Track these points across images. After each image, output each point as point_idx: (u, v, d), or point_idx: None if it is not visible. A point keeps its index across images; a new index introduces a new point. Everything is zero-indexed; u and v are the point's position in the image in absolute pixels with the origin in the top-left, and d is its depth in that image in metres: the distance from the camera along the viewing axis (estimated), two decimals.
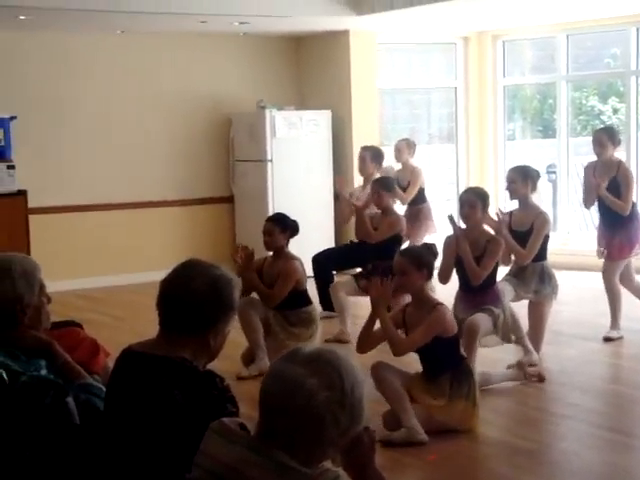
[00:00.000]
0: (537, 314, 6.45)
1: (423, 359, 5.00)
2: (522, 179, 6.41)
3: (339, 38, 10.22)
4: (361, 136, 10.21)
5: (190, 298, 2.53)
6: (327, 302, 7.67)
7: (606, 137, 6.92)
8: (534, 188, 6.51)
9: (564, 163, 10.77)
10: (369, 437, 2.05)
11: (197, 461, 2.02)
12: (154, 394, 2.42)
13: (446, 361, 4.90)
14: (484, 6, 8.95)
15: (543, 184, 11.69)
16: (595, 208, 7.22)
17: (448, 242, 6.09)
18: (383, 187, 7.36)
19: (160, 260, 9.23)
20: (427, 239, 8.78)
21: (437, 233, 8.68)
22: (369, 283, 5.00)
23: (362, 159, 8.56)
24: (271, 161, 10.06)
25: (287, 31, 10.20)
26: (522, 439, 4.93)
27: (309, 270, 7.91)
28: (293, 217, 6.58)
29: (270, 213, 10.00)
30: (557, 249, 9.86)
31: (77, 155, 9.74)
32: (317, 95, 10.64)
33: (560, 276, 6.64)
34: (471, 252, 5.86)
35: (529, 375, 5.85)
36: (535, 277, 6.36)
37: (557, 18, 10.07)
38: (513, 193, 6.48)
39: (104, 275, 9.80)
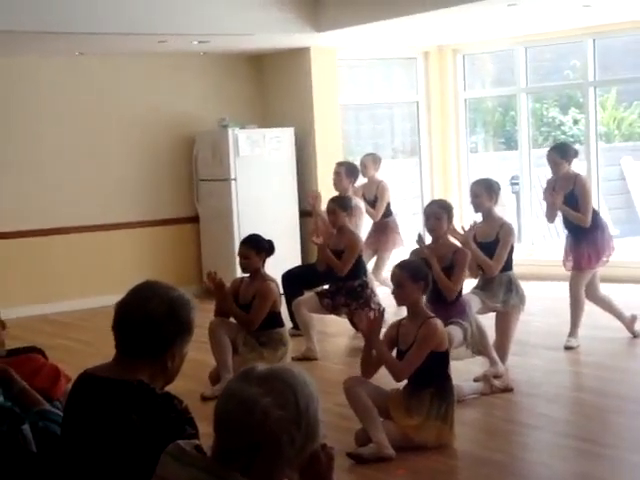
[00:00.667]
0: (504, 325, 6.47)
1: None
2: (486, 192, 6.47)
3: (300, 55, 10.24)
4: (324, 152, 10.24)
5: (147, 320, 2.50)
6: (295, 320, 7.65)
7: (557, 155, 7.01)
8: (497, 200, 6.59)
9: (527, 174, 10.85)
10: (326, 455, 2.03)
11: None
12: (111, 418, 2.39)
13: (433, 375, 4.89)
14: (443, 21, 9.01)
15: (507, 195, 11.79)
16: (560, 220, 7.28)
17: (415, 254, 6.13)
18: (339, 206, 7.37)
19: (126, 282, 9.08)
20: (395, 252, 8.82)
21: (404, 246, 8.71)
22: (357, 317, 5.01)
23: (337, 174, 8.58)
24: (235, 180, 10.04)
25: (248, 49, 10.21)
26: (490, 451, 4.93)
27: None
28: (252, 233, 6.62)
29: (236, 232, 10.01)
30: (522, 260, 9.90)
31: (37, 178, 9.67)
32: (280, 112, 10.65)
33: (526, 286, 6.68)
34: (439, 264, 5.89)
35: (495, 387, 5.86)
36: (502, 288, 6.39)
37: (515, 31, 10.16)
38: (478, 206, 6.52)
39: (71, 299, 9.73)
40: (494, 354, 6.25)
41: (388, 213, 8.97)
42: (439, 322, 4.95)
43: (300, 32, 9.20)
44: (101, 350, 7.40)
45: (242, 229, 9.98)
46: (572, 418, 5.63)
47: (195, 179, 10.45)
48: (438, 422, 4.85)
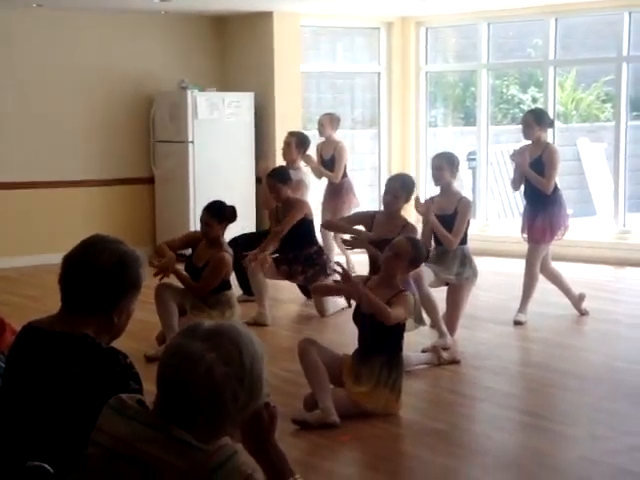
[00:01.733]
0: (456, 298, 6.53)
1: (364, 336, 4.99)
2: (448, 166, 6.50)
3: (263, 19, 10.16)
4: (284, 119, 10.19)
5: (95, 274, 2.47)
6: (246, 285, 7.64)
7: (532, 118, 7.05)
8: (456, 174, 6.64)
9: (484, 151, 10.90)
10: (269, 413, 2.03)
11: (93, 437, 1.98)
12: (54, 370, 2.36)
13: (386, 344, 4.91)
14: None
15: (463, 171, 11.85)
16: (521, 193, 7.35)
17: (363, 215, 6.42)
18: (279, 180, 7.35)
19: (76, 241, 9.02)
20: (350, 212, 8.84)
21: (359, 207, 8.75)
22: (345, 284, 4.99)
23: (287, 144, 8.53)
24: (192, 142, 9.97)
25: (210, 10, 10.10)
26: (434, 420, 4.98)
27: None
28: (214, 199, 6.58)
29: (191, 195, 9.96)
30: (476, 235, 9.97)
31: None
32: (240, 77, 10.56)
33: (478, 262, 6.74)
34: (387, 234, 5.92)
35: (443, 359, 5.91)
36: (456, 261, 6.45)
37: (479, 6, 10.16)
38: (439, 179, 6.54)
39: (19, 255, 9.62)
40: (443, 326, 6.30)
41: (343, 175, 8.97)
42: (410, 298, 4.99)
43: None
44: (47, 306, 7.29)
45: (197, 192, 9.94)
46: (516, 391, 5.71)
47: (152, 140, 10.35)
48: (387, 390, 4.88)
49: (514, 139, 12.23)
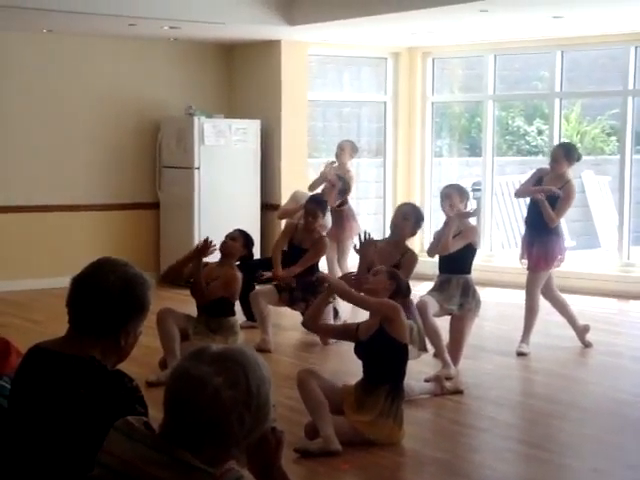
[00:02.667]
0: (459, 328, 6.52)
1: (368, 367, 5.00)
2: (459, 194, 6.54)
3: (271, 48, 10.23)
4: (290, 147, 10.24)
5: (103, 296, 2.48)
6: (249, 312, 7.65)
7: (562, 153, 7.10)
8: (467, 204, 6.68)
9: (489, 181, 10.93)
10: (275, 438, 2.03)
11: (99, 459, 1.98)
12: (60, 392, 2.37)
13: (390, 371, 4.91)
14: (415, 23, 9.05)
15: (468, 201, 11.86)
16: (523, 216, 7.43)
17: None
18: (322, 211, 7.48)
19: (82, 264, 9.00)
20: (355, 240, 8.86)
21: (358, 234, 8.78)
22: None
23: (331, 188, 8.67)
24: (198, 169, 10.01)
25: (218, 38, 10.17)
26: (436, 450, 4.97)
27: None
28: (220, 226, 6.77)
29: (196, 221, 9.99)
30: (480, 265, 9.98)
31: (0, 156, 9.56)
32: (247, 104, 10.62)
33: (481, 292, 6.74)
34: (385, 263, 5.91)
35: (446, 389, 5.90)
36: (459, 290, 6.45)
37: (486, 38, 10.23)
38: (450, 208, 6.55)
39: (23, 279, 9.63)
40: (447, 356, 6.29)
41: (344, 202, 8.98)
42: (402, 312, 5.00)
43: (272, 24, 9.19)
44: (50, 329, 7.32)
45: (202, 218, 9.97)
46: (518, 423, 5.69)
47: (158, 165, 10.39)
48: (390, 420, 4.87)
49: (519, 170, 12.28)
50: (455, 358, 6.43)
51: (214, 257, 6.57)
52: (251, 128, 10.25)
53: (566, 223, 11.29)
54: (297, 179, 9.97)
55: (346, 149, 9.20)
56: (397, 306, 4.94)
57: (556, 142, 10.21)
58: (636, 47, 9.76)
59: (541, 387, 6.39)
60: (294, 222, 7.71)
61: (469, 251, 6.54)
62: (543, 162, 10.85)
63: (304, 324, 5.46)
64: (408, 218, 6.30)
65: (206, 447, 1.90)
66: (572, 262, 10.19)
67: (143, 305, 2.54)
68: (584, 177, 12.52)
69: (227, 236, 6.61)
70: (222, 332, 6.33)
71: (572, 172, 7.28)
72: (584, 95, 11.74)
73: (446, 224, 6.53)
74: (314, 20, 9.02)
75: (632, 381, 6.48)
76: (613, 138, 12.34)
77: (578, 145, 12.68)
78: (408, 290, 5.45)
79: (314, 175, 9.28)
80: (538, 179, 7.14)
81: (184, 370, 1.92)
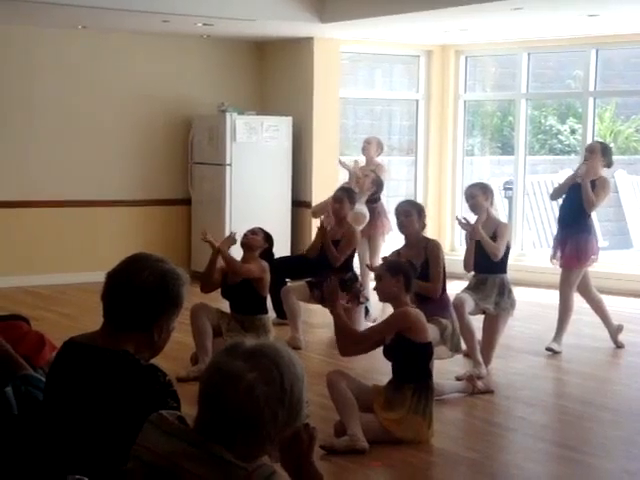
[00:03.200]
0: (492, 327, 6.49)
1: (395, 367, 5.00)
2: (482, 193, 6.51)
3: (303, 45, 10.23)
4: (321, 144, 10.24)
5: (137, 291, 2.50)
6: (280, 309, 7.66)
7: (599, 147, 7.15)
8: (492, 201, 6.65)
9: (521, 180, 10.87)
10: (308, 434, 2.04)
11: (134, 453, 1.99)
12: (94, 386, 2.39)
13: (414, 369, 4.90)
14: (448, 20, 9.02)
15: (499, 200, 11.82)
16: (555, 217, 7.42)
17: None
18: (348, 197, 7.41)
19: (113, 260, 9.06)
20: (387, 238, 8.85)
21: (392, 230, 8.74)
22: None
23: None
24: (230, 165, 10.03)
25: (251, 35, 10.19)
26: (467, 449, 4.95)
27: None
28: (251, 223, 6.79)
29: (227, 217, 10.01)
30: (511, 265, 9.91)
31: (31, 150, 9.64)
32: (279, 101, 10.64)
33: (514, 292, 6.70)
34: (415, 261, 5.92)
35: (477, 388, 5.88)
36: (495, 290, 6.42)
37: (519, 36, 10.18)
38: (475, 207, 6.53)
39: (56, 273, 9.71)
40: (479, 355, 6.27)
41: (377, 199, 8.94)
42: (418, 312, 4.95)
43: (304, 21, 9.19)
44: (81, 324, 7.43)
45: (234, 215, 9.99)
46: (549, 423, 5.65)
47: (190, 162, 10.43)
48: (418, 417, 4.86)
49: (551, 169, 12.21)
50: (487, 357, 6.40)
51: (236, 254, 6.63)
52: (283, 125, 10.26)
53: (599, 223, 11.22)
54: (328, 177, 9.97)
55: (372, 143, 9.17)
56: (406, 313, 4.88)
57: (589, 141, 10.15)
58: None
59: (572, 388, 6.34)
60: (323, 223, 7.68)
61: (505, 250, 6.52)
62: (575, 161, 10.77)
63: (342, 354, 5.34)
64: (410, 214, 6.19)
65: (239, 442, 1.91)
66: (604, 262, 10.11)
67: (177, 301, 2.55)
68: (617, 177, 12.42)
69: (248, 231, 6.64)
70: (254, 330, 6.35)
71: (605, 173, 7.26)
72: (618, 94, 11.64)
73: (470, 238, 6.49)
74: (346, 17, 9.01)
75: None
76: None
77: (611, 144, 12.60)
78: (414, 268, 5.40)
79: (345, 174, 9.25)
80: (573, 183, 7.12)
81: (218, 365, 1.94)
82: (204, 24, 9.24)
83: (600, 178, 7.05)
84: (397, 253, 6.25)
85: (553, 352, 6.96)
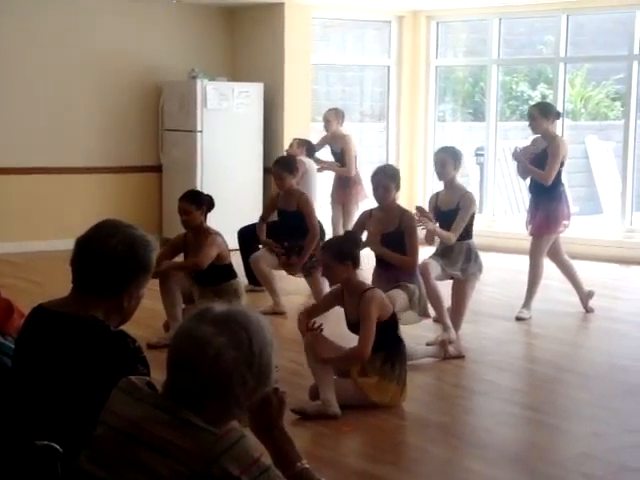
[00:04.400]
0: (460, 293, 6.53)
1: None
2: (452, 160, 6.47)
3: (274, 10, 10.16)
4: (293, 110, 10.20)
5: (107, 257, 2.49)
6: (252, 276, 7.67)
7: (537, 111, 7.06)
8: (459, 169, 6.62)
9: (492, 146, 10.90)
10: (277, 398, 2.05)
11: (102, 418, 2.00)
12: (63, 352, 2.38)
13: (384, 341, 4.90)
14: None
15: (471, 167, 11.85)
16: (527, 186, 7.40)
17: (362, 218, 6.20)
18: (284, 169, 7.31)
19: (83, 227, 9.01)
20: (361, 205, 8.82)
21: (369, 199, 8.73)
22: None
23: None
24: (201, 132, 9.98)
25: (222, 1, 10.10)
26: (437, 413, 5.01)
27: (235, 243, 7.91)
28: (222, 189, 6.59)
29: (199, 184, 9.96)
30: (482, 231, 9.97)
31: (1, 118, 9.53)
32: (250, 67, 10.57)
33: (484, 257, 6.73)
34: (386, 227, 5.89)
35: (449, 353, 5.92)
36: (461, 256, 6.44)
37: (491, 1, 10.16)
38: (443, 175, 6.51)
39: (26, 240, 9.65)
40: (448, 320, 6.31)
41: (317, 160, 9.00)
42: (376, 293, 4.91)
43: None
44: (51, 291, 7.35)
45: (205, 182, 9.95)
46: (519, 387, 5.72)
47: (160, 129, 10.37)
48: (393, 384, 4.90)
49: (522, 135, 12.22)
50: (456, 323, 6.45)
51: None
52: (254, 91, 10.21)
53: (569, 188, 11.29)
54: None
55: (331, 118, 9.15)
56: (380, 300, 4.85)
57: (560, 107, 10.17)
58: None
59: (541, 352, 6.41)
60: (273, 193, 7.62)
61: (469, 219, 6.51)
62: None
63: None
64: (389, 189, 6.02)
65: (208, 407, 1.92)
66: (575, 228, 10.18)
67: (146, 266, 2.55)
68: (588, 142, 12.49)
69: (179, 211, 6.30)
70: (226, 296, 6.31)
71: (556, 129, 7.32)
72: (589, 60, 11.67)
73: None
74: None
75: (632, 346, 6.51)
76: (618, 103, 12.29)
77: (582, 110, 12.63)
78: (355, 239, 5.22)
79: (316, 140, 9.25)
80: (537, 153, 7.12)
81: (187, 330, 1.94)
82: None
83: (552, 143, 6.99)
84: (369, 213, 6.18)
85: (523, 320, 7.02)
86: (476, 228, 6.69)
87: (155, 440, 1.88)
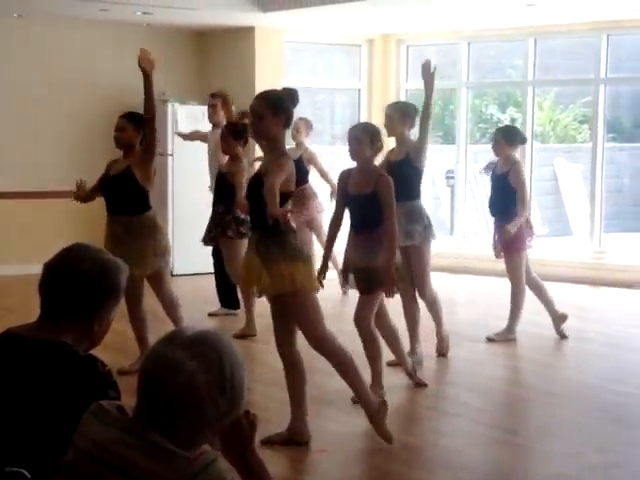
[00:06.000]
0: (416, 260, 6.11)
1: (252, 212, 4.84)
2: (369, 139, 5.46)
3: (244, 34, 10.20)
4: None
5: (77, 281, 2.47)
6: (226, 298, 7.66)
7: (500, 136, 7.11)
8: (381, 148, 5.61)
9: (462, 169, 10.98)
10: (249, 421, 2.04)
11: (73, 443, 1.98)
12: (31, 378, 2.36)
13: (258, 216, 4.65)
14: (388, 9, 9.06)
15: (442, 188, 11.92)
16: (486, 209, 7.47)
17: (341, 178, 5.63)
18: (232, 134, 7.24)
19: (53, 251, 8.98)
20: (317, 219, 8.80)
21: (324, 212, 8.71)
22: None
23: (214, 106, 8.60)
24: (172, 155, 9.97)
25: (192, 24, 10.13)
26: (409, 435, 5.00)
27: (209, 267, 7.89)
28: (193, 212, 6.56)
29: (170, 207, 9.95)
30: (453, 253, 10.04)
31: None
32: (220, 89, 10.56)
33: (456, 279, 6.75)
34: (363, 189, 5.38)
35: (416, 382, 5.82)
36: (401, 218, 5.71)
37: (460, 25, 10.26)
38: (355, 154, 5.53)
39: None
40: (404, 355, 5.82)
41: (305, 180, 8.72)
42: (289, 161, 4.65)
43: (245, 11, 9.16)
44: (22, 316, 7.30)
45: (177, 205, 9.94)
46: (490, 408, 5.72)
47: None
48: (298, 264, 4.60)
49: (492, 158, 12.32)
50: (422, 292, 6.21)
51: None
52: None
53: (539, 209, 11.37)
54: None
55: (301, 128, 9.07)
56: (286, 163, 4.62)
57: (529, 130, 10.27)
58: (608, 35, 9.83)
59: (513, 373, 6.45)
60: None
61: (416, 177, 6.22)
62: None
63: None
64: (361, 142, 5.36)
65: (179, 430, 1.90)
66: (544, 249, 10.26)
67: (117, 290, 2.53)
68: (556, 165, 12.61)
69: (115, 127, 6.24)
70: (140, 229, 6.07)
71: (518, 154, 7.37)
72: (557, 83, 11.80)
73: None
74: (287, 6, 9.01)
75: (602, 366, 6.55)
76: (585, 126, 12.42)
77: (551, 133, 12.73)
78: (292, 95, 4.92)
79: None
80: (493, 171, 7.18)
81: (159, 354, 1.93)
82: (143, 12, 9.16)
83: (512, 168, 6.97)
84: (347, 172, 5.60)
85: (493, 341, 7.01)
86: (447, 250, 6.70)
87: (124, 463, 1.87)
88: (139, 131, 6.15)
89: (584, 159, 11.47)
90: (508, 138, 7.04)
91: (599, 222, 10.09)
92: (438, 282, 6.77)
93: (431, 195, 8.67)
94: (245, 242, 5.99)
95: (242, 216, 7.03)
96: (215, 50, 10.65)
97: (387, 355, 5.71)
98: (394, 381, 5.82)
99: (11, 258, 9.66)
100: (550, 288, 7.89)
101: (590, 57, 10.31)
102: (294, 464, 4.56)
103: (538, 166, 11.08)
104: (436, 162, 12.01)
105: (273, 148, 4.67)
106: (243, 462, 2.04)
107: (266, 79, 10.25)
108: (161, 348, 1.94)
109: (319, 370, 5.36)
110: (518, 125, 10.63)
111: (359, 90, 11.36)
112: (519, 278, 7.03)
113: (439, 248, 7.72)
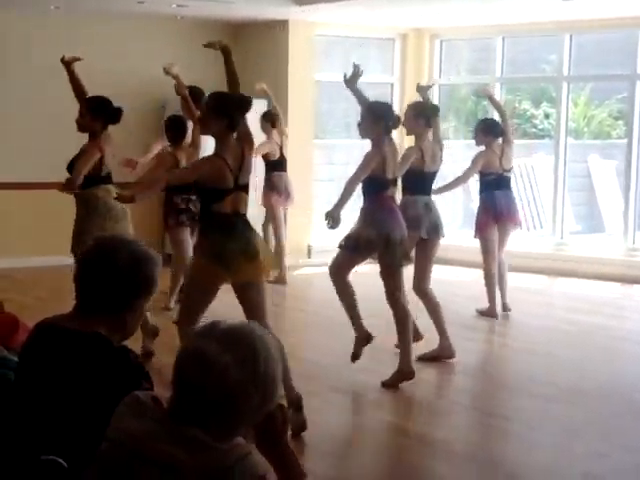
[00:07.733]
0: (427, 254, 6.30)
1: None
2: (373, 119, 5.90)
3: (278, 28, 10.20)
4: (296, 127, 10.21)
5: (111, 273, 2.48)
6: None
7: (479, 127, 7.85)
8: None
9: None
10: (282, 415, 2.05)
11: (108, 434, 1.99)
12: (67, 368, 2.38)
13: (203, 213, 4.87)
14: (423, 4, 9.02)
15: (473, 184, 11.84)
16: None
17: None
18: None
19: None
20: (287, 210, 9.00)
21: (294, 204, 9.10)
22: None
23: None
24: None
25: (226, 17, 10.14)
26: (438, 430, 4.98)
27: None
28: None
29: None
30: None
31: (5, 131, 9.56)
32: (254, 83, 10.57)
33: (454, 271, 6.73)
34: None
35: None
36: (420, 211, 6.35)
37: (494, 20, 10.19)
38: (364, 131, 5.95)
39: (29, 256, 9.64)
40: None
41: (282, 168, 9.05)
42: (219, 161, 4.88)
43: (279, 4, 9.15)
44: (53, 307, 7.37)
45: None
46: (516, 405, 5.69)
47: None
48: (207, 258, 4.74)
49: (525, 153, 12.25)
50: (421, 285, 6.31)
51: None
52: (258, 108, 10.18)
53: (571, 207, 11.28)
54: (303, 160, 9.96)
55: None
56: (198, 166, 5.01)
57: (563, 126, 10.20)
58: None
59: (542, 370, 6.38)
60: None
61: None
62: (549, 145, 10.83)
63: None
64: (363, 117, 5.82)
65: (214, 423, 1.91)
66: (577, 246, 10.19)
67: (150, 283, 2.54)
68: (590, 161, 12.49)
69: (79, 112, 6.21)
70: (91, 203, 6.22)
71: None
72: (592, 79, 11.69)
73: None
74: (322, 0, 8.99)
75: (634, 364, 6.49)
76: (620, 122, 12.30)
77: (585, 129, 12.62)
78: (243, 100, 5.15)
79: (320, 158, 9.27)
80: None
81: (192, 349, 1.93)
82: (178, 5, 9.18)
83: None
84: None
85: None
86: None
87: (160, 456, 1.88)
88: (99, 118, 6.23)
89: (619, 156, 11.36)
90: (485, 129, 7.73)
91: (633, 219, 10.00)
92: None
93: (461, 189, 8.72)
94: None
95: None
96: (248, 43, 10.66)
97: (417, 350, 5.70)
98: (421, 376, 5.80)
99: (42, 249, 9.73)
100: (582, 285, 7.86)
101: (626, 53, 10.21)
102: (325, 457, 4.56)
103: (571, 162, 10.98)
104: (468, 158, 11.93)
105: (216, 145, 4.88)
106: (276, 454, 2.04)
107: (299, 73, 10.26)
108: (196, 342, 1.95)
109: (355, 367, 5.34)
110: (552, 121, 10.58)
111: (392, 85, 11.32)
112: (487, 260, 7.54)
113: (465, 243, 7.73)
